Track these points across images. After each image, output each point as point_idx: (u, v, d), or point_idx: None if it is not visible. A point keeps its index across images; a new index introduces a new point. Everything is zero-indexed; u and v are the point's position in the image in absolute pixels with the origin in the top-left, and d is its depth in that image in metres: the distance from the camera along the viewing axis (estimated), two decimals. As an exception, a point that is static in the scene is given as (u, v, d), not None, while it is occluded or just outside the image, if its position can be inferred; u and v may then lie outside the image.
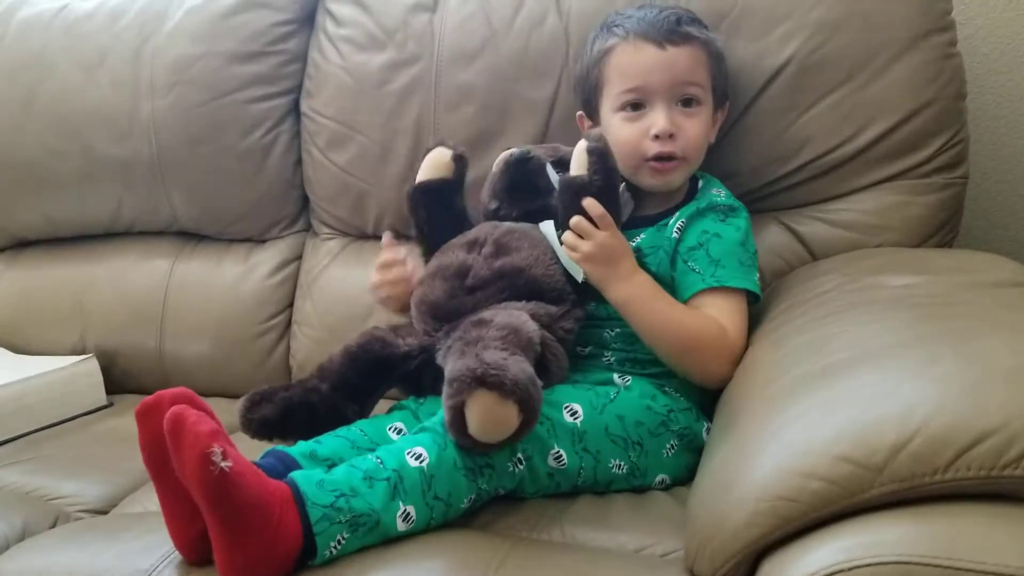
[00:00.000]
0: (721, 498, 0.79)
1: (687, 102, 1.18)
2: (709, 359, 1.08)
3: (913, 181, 1.26)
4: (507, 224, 1.17)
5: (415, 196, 1.22)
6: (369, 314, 1.43)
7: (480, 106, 1.40)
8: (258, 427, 1.07)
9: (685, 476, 1.08)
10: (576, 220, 1.09)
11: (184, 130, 1.53)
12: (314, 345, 1.48)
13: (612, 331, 1.16)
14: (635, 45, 1.17)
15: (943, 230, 1.27)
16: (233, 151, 1.53)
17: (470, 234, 1.18)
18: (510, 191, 1.20)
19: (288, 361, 1.53)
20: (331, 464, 0.97)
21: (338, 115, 1.48)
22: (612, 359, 1.17)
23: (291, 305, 1.55)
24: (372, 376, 1.11)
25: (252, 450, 1.01)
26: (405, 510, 0.91)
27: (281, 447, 1.01)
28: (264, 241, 1.59)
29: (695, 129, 1.18)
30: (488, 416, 0.91)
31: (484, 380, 0.90)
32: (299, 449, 1.00)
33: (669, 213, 1.20)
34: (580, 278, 1.11)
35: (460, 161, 1.21)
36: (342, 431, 1.06)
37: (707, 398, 1.14)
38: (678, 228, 1.17)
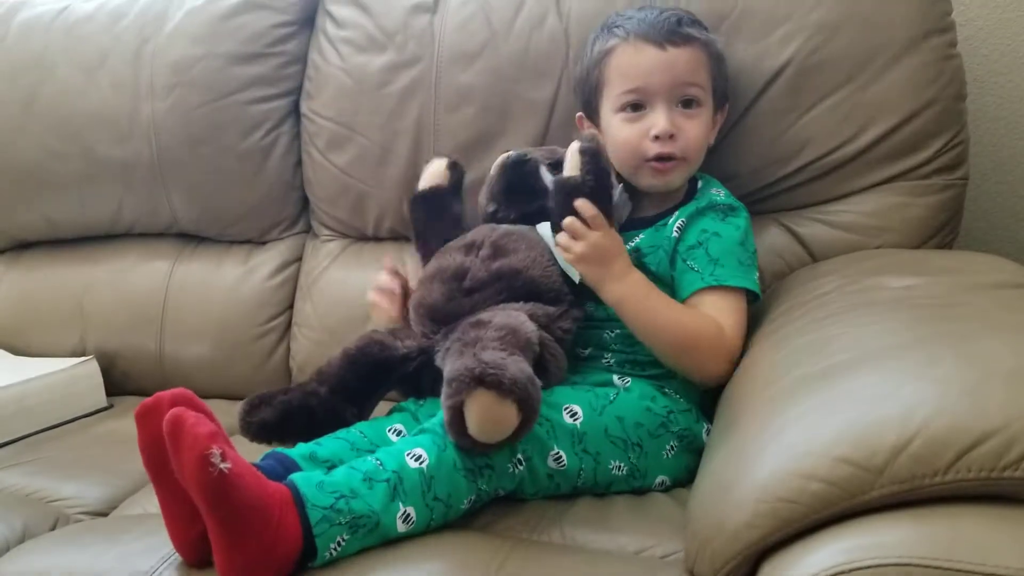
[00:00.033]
0: (721, 499, 0.79)
1: (687, 103, 1.18)
2: (706, 357, 1.08)
3: (913, 182, 1.26)
4: (504, 226, 1.18)
5: (412, 204, 1.28)
6: (369, 315, 1.43)
7: (480, 107, 1.40)
8: (257, 430, 1.07)
9: (685, 477, 1.08)
10: (568, 221, 1.09)
11: (184, 131, 1.53)
12: (314, 347, 1.48)
13: (612, 332, 1.16)
14: (636, 46, 1.17)
15: (943, 231, 1.27)
16: (233, 152, 1.53)
17: (468, 236, 1.18)
18: (507, 193, 1.20)
19: (288, 363, 1.53)
20: (331, 466, 0.97)
21: (338, 116, 1.48)
22: (612, 360, 1.17)
23: (291, 307, 1.55)
24: (371, 379, 1.11)
25: (252, 452, 1.01)
26: (405, 511, 0.91)
27: (281, 449, 1.01)
28: (264, 243, 1.59)
29: (695, 130, 1.18)
30: (487, 415, 0.91)
31: (483, 379, 0.90)
32: (299, 451, 1.00)
33: (668, 213, 1.20)
34: (577, 279, 1.11)
35: (455, 169, 1.27)
36: (342, 433, 1.06)
37: (707, 399, 1.14)
38: (678, 227, 1.17)
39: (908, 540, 0.66)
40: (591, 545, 0.95)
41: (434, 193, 1.26)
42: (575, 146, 1.10)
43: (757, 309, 1.17)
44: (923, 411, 0.70)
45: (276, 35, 1.53)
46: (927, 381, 0.74)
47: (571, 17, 1.36)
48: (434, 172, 1.27)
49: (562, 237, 1.10)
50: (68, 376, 1.49)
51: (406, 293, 1.22)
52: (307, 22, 1.55)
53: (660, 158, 1.17)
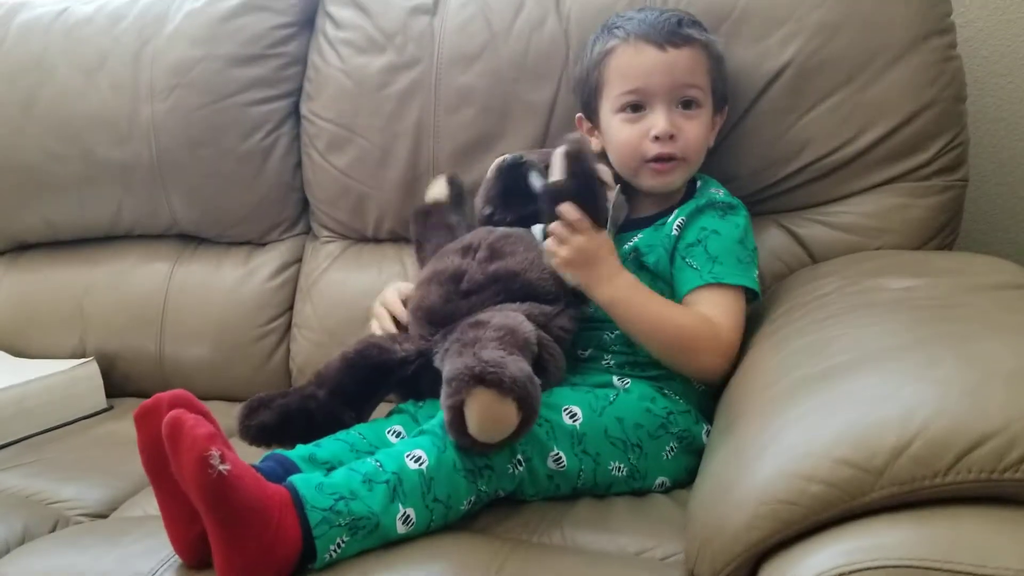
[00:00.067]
0: (721, 501, 0.79)
1: (687, 104, 1.18)
2: (701, 355, 1.09)
3: (913, 183, 1.26)
4: (501, 229, 1.18)
5: (414, 217, 1.32)
6: (369, 317, 1.43)
7: (480, 109, 1.40)
8: (256, 434, 1.06)
9: (685, 478, 1.08)
10: (552, 226, 1.11)
11: (184, 133, 1.53)
12: (314, 348, 1.48)
13: (612, 333, 1.16)
14: (636, 47, 1.17)
15: (943, 232, 1.27)
16: (233, 154, 1.53)
17: (464, 239, 1.19)
18: (503, 197, 1.21)
19: (288, 364, 1.53)
20: (330, 467, 0.97)
21: (338, 118, 1.48)
22: (612, 362, 1.17)
23: (291, 308, 1.55)
24: (369, 382, 1.11)
25: (251, 454, 1.01)
26: (405, 512, 0.91)
27: (280, 451, 1.01)
28: (264, 244, 1.59)
29: (695, 131, 1.18)
30: (487, 414, 0.91)
31: (483, 378, 0.90)
32: (298, 452, 1.00)
33: (667, 213, 1.20)
34: (570, 283, 1.12)
35: (453, 183, 1.31)
36: (341, 434, 1.05)
37: (706, 400, 1.15)
38: (677, 225, 1.17)
39: (908, 542, 0.66)
40: (591, 547, 0.95)
41: (435, 208, 1.29)
42: (560, 150, 1.10)
43: (757, 310, 1.17)
44: (923, 412, 0.70)
45: (276, 37, 1.53)
46: (927, 382, 0.74)
47: (571, 19, 1.36)
48: (436, 190, 1.32)
49: (549, 242, 1.11)
50: (68, 378, 1.49)
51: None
52: (307, 23, 1.55)
53: (660, 158, 1.17)
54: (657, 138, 1.16)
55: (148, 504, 1.10)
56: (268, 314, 1.54)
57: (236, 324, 1.54)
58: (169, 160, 1.54)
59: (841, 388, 0.79)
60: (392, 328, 1.19)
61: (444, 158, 1.42)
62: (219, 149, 1.53)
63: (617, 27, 1.20)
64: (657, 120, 1.16)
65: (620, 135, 1.19)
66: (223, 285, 1.56)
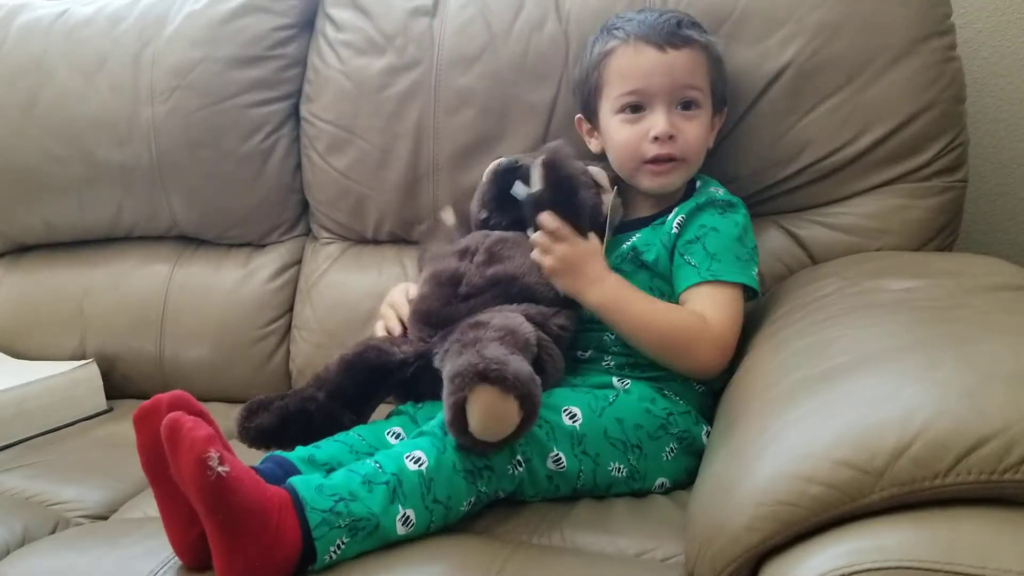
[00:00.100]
0: (721, 502, 0.79)
1: (686, 105, 1.18)
2: (692, 352, 1.09)
3: (913, 185, 1.26)
4: (497, 233, 1.19)
5: (420, 236, 1.38)
6: (368, 318, 1.43)
7: (480, 110, 1.40)
8: (255, 436, 1.07)
9: (685, 479, 1.08)
10: (535, 236, 1.12)
11: (184, 135, 1.53)
12: (314, 350, 1.48)
13: (611, 335, 1.16)
14: (635, 47, 1.18)
15: (943, 233, 1.27)
16: (233, 156, 1.53)
17: (462, 242, 1.19)
18: (498, 200, 1.21)
19: (288, 366, 1.53)
20: (329, 468, 0.97)
21: (338, 119, 1.48)
22: (612, 363, 1.17)
23: (291, 309, 1.55)
24: (368, 384, 1.11)
25: (251, 456, 1.01)
26: (404, 513, 0.91)
27: (280, 452, 1.01)
28: (264, 245, 1.59)
29: (694, 131, 1.18)
30: (489, 412, 0.91)
31: (486, 375, 0.90)
32: (297, 454, 1.00)
33: (665, 213, 1.20)
34: (560, 290, 1.14)
35: (458, 211, 1.33)
36: (340, 436, 1.06)
37: (706, 401, 1.15)
38: (677, 223, 1.17)
39: (908, 543, 0.65)
40: (591, 548, 0.95)
41: (440, 227, 1.32)
42: (537, 160, 1.12)
43: (757, 311, 1.17)
44: (923, 413, 0.70)
45: (276, 38, 1.53)
46: (927, 383, 0.74)
47: (570, 20, 1.36)
48: (444, 216, 1.34)
49: (534, 253, 1.13)
50: (68, 379, 1.49)
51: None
52: (307, 25, 1.55)
53: (659, 159, 1.17)
54: (656, 139, 1.16)
55: (148, 506, 1.10)
56: (268, 315, 1.54)
57: (236, 326, 1.54)
58: (169, 162, 1.54)
59: (841, 389, 0.79)
60: (397, 328, 1.19)
61: (444, 159, 1.42)
62: (219, 151, 1.53)
63: (617, 28, 1.20)
64: (657, 121, 1.16)
65: (619, 136, 1.19)
66: (223, 287, 1.56)
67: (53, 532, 1.11)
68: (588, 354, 1.18)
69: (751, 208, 1.23)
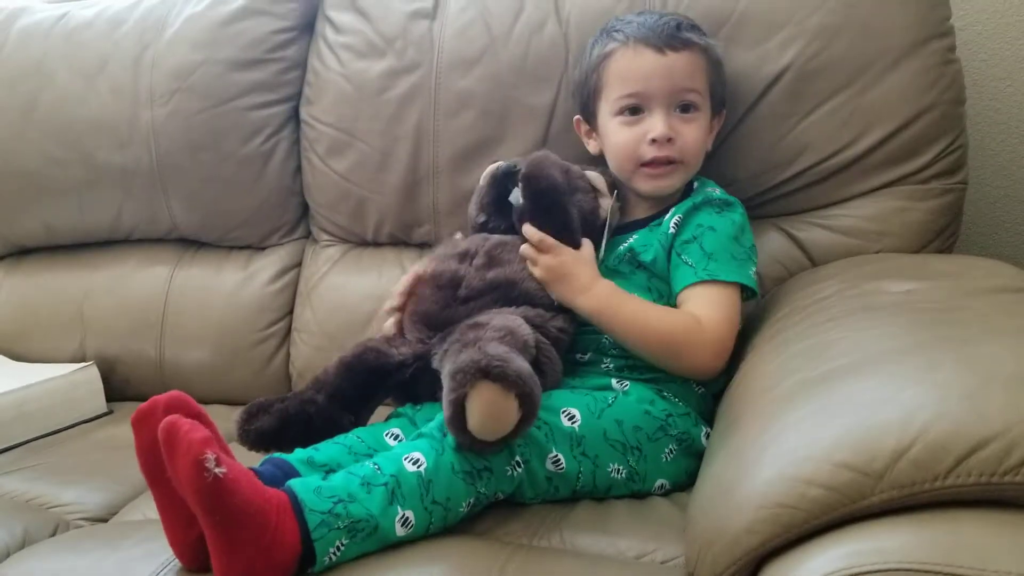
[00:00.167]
0: (722, 504, 0.79)
1: (685, 108, 1.18)
2: (687, 354, 1.10)
3: (912, 187, 1.26)
4: (496, 236, 1.19)
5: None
6: (368, 321, 1.43)
7: (480, 113, 1.40)
8: (255, 438, 1.07)
9: (685, 481, 1.08)
10: (522, 248, 1.15)
11: (184, 137, 1.53)
12: (314, 352, 1.48)
13: (609, 337, 1.16)
14: (635, 50, 1.18)
15: (942, 235, 1.27)
16: (233, 158, 1.53)
17: (461, 245, 1.20)
18: (497, 204, 1.21)
19: (288, 368, 1.53)
20: (329, 470, 0.98)
21: (338, 122, 1.48)
22: (611, 365, 1.17)
23: (291, 312, 1.55)
24: (367, 386, 1.12)
25: (251, 458, 1.01)
26: (404, 515, 0.91)
27: (279, 454, 1.01)
28: (264, 248, 1.59)
29: (693, 134, 1.18)
30: (489, 409, 0.91)
31: (488, 371, 0.90)
32: (297, 456, 1.00)
33: (662, 214, 1.20)
34: (554, 298, 1.15)
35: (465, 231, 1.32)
36: (339, 438, 1.06)
37: (706, 403, 1.15)
38: (674, 223, 1.17)
39: (908, 545, 0.65)
40: (591, 550, 0.95)
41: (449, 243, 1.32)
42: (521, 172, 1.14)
43: (757, 313, 1.17)
44: (923, 416, 0.70)
45: (276, 41, 1.53)
46: (927, 385, 0.74)
47: (570, 22, 1.36)
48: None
49: (528, 265, 1.15)
50: (68, 382, 1.49)
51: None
52: (307, 28, 1.55)
53: (656, 162, 1.17)
54: (654, 141, 1.16)
55: (148, 508, 1.10)
56: (268, 318, 1.54)
57: (236, 328, 1.54)
58: (169, 164, 1.55)
59: (841, 391, 0.79)
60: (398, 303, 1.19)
61: (444, 162, 1.42)
62: (219, 153, 1.53)
63: (616, 30, 1.21)
64: (655, 123, 1.16)
65: (617, 138, 1.19)
66: (223, 289, 1.56)
67: (53, 535, 1.11)
68: (587, 356, 1.18)
69: (750, 211, 1.23)
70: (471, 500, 0.96)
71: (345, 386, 1.10)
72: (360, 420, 1.12)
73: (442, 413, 0.94)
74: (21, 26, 1.65)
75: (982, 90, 1.46)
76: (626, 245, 1.20)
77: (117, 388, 1.57)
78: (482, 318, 1.07)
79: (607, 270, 1.18)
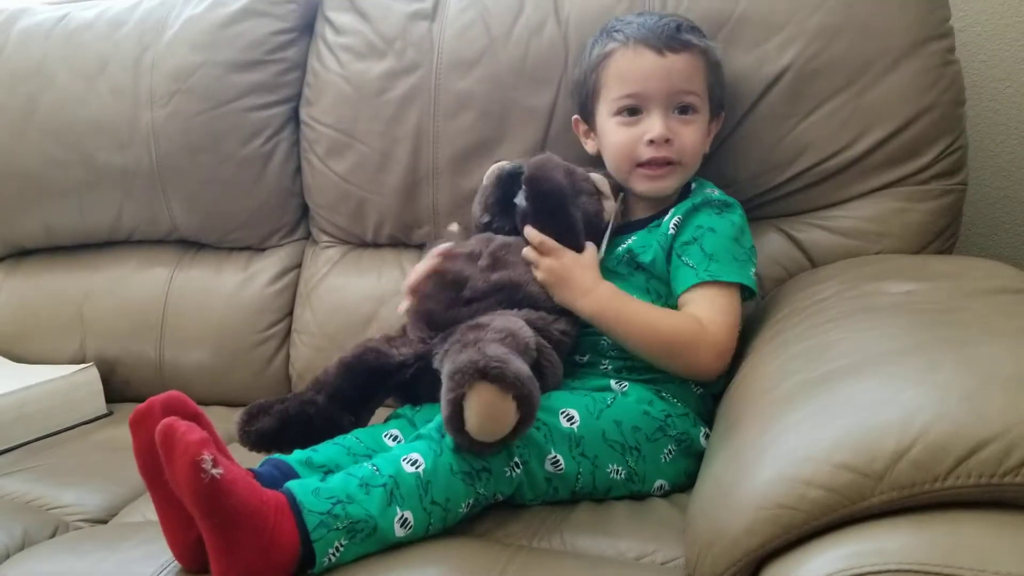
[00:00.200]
0: (721, 505, 0.79)
1: (683, 109, 1.18)
2: (690, 355, 1.09)
3: (912, 188, 1.26)
4: (501, 237, 1.19)
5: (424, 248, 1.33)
6: (368, 322, 1.43)
7: (479, 114, 1.40)
8: (256, 439, 1.07)
9: (684, 482, 1.08)
10: (524, 251, 1.15)
11: (184, 139, 1.53)
12: (314, 353, 1.48)
13: (608, 339, 1.16)
14: (635, 50, 1.18)
15: (942, 236, 1.27)
16: (233, 159, 1.53)
17: (465, 246, 1.19)
18: (502, 204, 1.21)
19: (288, 370, 1.53)
20: (327, 471, 0.98)
21: (337, 123, 1.48)
22: (609, 367, 1.17)
23: (291, 313, 1.55)
24: (367, 386, 1.12)
25: (250, 460, 1.01)
26: (403, 516, 0.91)
27: (278, 455, 1.01)
28: (264, 249, 1.59)
29: (691, 135, 1.18)
30: (487, 410, 0.91)
31: (486, 372, 0.90)
32: (295, 457, 1.00)
33: (661, 215, 1.20)
34: (556, 301, 1.15)
35: (463, 222, 1.34)
36: (338, 439, 1.06)
37: (704, 403, 1.15)
38: (674, 224, 1.17)
39: (908, 546, 0.65)
40: (591, 551, 0.95)
41: (446, 235, 1.31)
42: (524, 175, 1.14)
43: (757, 314, 1.17)
44: (923, 417, 0.70)
45: (275, 42, 1.53)
46: (927, 386, 0.74)
47: (570, 23, 1.36)
48: (450, 229, 1.33)
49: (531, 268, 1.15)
50: (68, 383, 1.49)
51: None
52: (306, 29, 1.56)
53: (654, 162, 1.17)
54: (652, 142, 1.16)
55: (148, 510, 1.10)
56: (268, 319, 1.54)
57: (236, 329, 1.54)
58: (169, 165, 1.55)
59: (841, 392, 0.79)
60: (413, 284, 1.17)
61: (443, 163, 1.42)
62: (219, 154, 1.53)
63: (616, 31, 1.21)
64: (653, 124, 1.16)
65: (615, 138, 1.19)
66: (223, 290, 1.56)
67: (53, 536, 1.11)
68: (586, 358, 1.18)
69: (750, 212, 1.23)
70: (470, 501, 0.96)
71: (345, 386, 1.10)
72: (361, 420, 1.12)
73: (441, 414, 0.94)
74: (21, 27, 1.65)
75: (982, 91, 1.46)
76: (625, 246, 1.20)
77: (117, 389, 1.57)
78: (484, 319, 1.07)
79: (605, 271, 1.17)
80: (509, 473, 0.98)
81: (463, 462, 0.95)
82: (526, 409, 0.93)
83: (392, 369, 1.12)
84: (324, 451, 1.02)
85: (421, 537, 0.93)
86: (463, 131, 1.41)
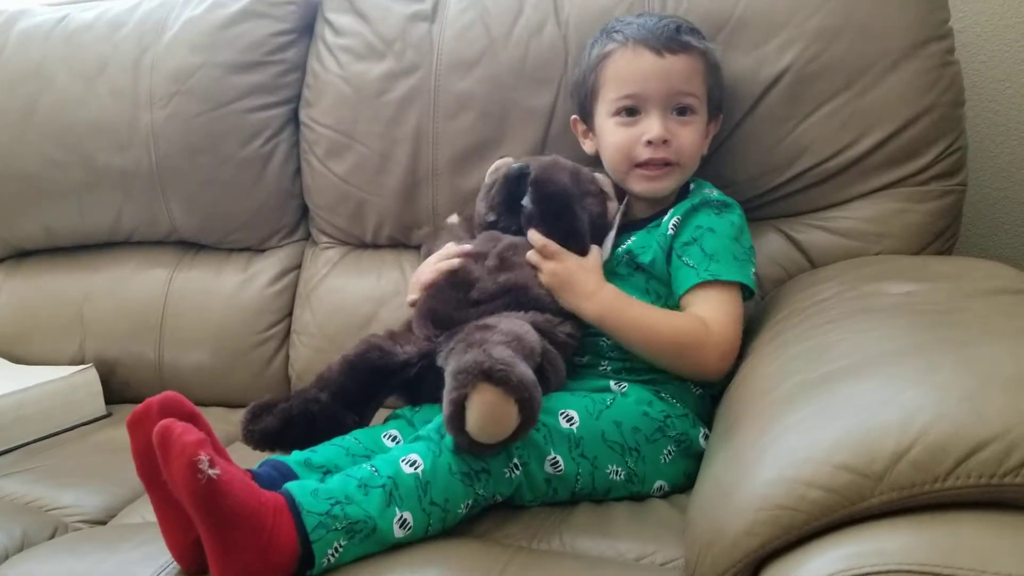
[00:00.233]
0: (721, 506, 0.79)
1: (682, 111, 1.18)
2: (695, 356, 1.09)
3: (912, 188, 1.26)
4: (508, 238, 1.19)
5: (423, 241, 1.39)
6: (368, 323, 1.43)
7: (479, 114, 1.40)
8: (260, 438, 1.07)
9: (683, 482, 1.08)
10: (529, 254, 1.15)
11: (183, 140, 1.53)
12: (313, 354, 1.48)
13: (608, 340, 1.16)
14: (634, 51, 1.18)
15: (942, 237, 1.27)
16: (232, 161, 1.53)
17: (474, 244, 1.19)
18: (508, 204, 1.20)
19: (287, 370, 1.53)
20: (326, 472, 0.98)
21: (337, 124, 1.48)
22: (609, 368, 1.17)
23: (290, 314, 1.55)
24: (371, 384, 1.11)
25: (251, 460, 1.01)
26: (402, 516, 0.91)
27: (276, 456, 1.01)
28: (263, 250, 1.59)
29: (689, 136, 1.18)
30: (489, 411, 0.91)
31: (491, 374, 0.90)
32: (294, 458, 1.00)
33: (660, 215, 1.20)
34: (561, 303, 1.14)
35: (462, 213, 1.34)
36: (337, 439, 1.06)
37: (704, 404, 1.15)
38: (673, 224, 1.17)
39: (908, 547, 0.65)
40: (591, 552, 0.95)
41: (445, 229, 1.32)
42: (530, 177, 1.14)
43: (757, 315, 1.17)
44: (923, 417, 0.70)
45: (275, 43, 1.53)
46: (927, 387, 0.74)
47: (570, 24, 1.36)
48: (449, 221, 1.34)
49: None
50: (67, 384, 1.49)
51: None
52: (306, 30, 1.56)
53: (651, 163, 1.17)
54: (650, 142, 1.16)
55: (147, 511, 1.09)
56: (267, 320, 1.54)
57: (235, 330, 1.54)
58: (169, 167, 1.55)
59: (840, 393, 0.79)
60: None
61: (443, 164, 1.42)
62: (218, 156, 1.53)
63: (616, 31, 1.21)
64: (651, 125, 1.16)
65: (613, 138, 1.19)
66: (222, 291, 1.56)
67: (52, 537, 1.11)
68: (585, 359, 1.18)
69: (749, 213, 1.23)
70: (469, 502, 0.96)
71: (349, 384, 1.10)
72: (364, 419, 1.12)
73: (441, 415, 0.94)
74: (21, 29, 1.65)
75: (981, 92, 1.46)
76: (624, 247, 1.20)
77: (116, 390, 1.57)
78: (491, 320, 1.06)
79: (605, 272, 1.17)
80: (508, 474, 0.98)
81: (462, 463, 0.95)
82: (527, 413, 0.93)
83: (396, 368, 1.11)
84: (323, 452, 1.02)
85: (420, 538, 0.93)
86: (463, 132, 1.41)
